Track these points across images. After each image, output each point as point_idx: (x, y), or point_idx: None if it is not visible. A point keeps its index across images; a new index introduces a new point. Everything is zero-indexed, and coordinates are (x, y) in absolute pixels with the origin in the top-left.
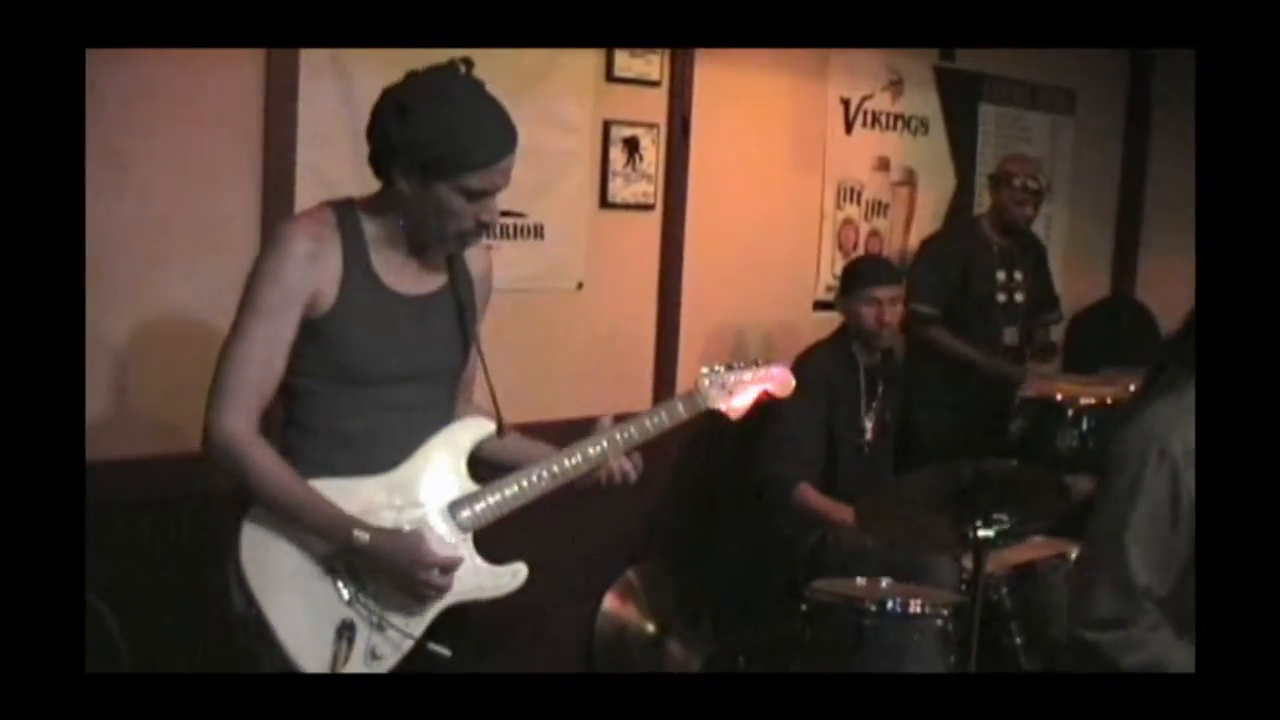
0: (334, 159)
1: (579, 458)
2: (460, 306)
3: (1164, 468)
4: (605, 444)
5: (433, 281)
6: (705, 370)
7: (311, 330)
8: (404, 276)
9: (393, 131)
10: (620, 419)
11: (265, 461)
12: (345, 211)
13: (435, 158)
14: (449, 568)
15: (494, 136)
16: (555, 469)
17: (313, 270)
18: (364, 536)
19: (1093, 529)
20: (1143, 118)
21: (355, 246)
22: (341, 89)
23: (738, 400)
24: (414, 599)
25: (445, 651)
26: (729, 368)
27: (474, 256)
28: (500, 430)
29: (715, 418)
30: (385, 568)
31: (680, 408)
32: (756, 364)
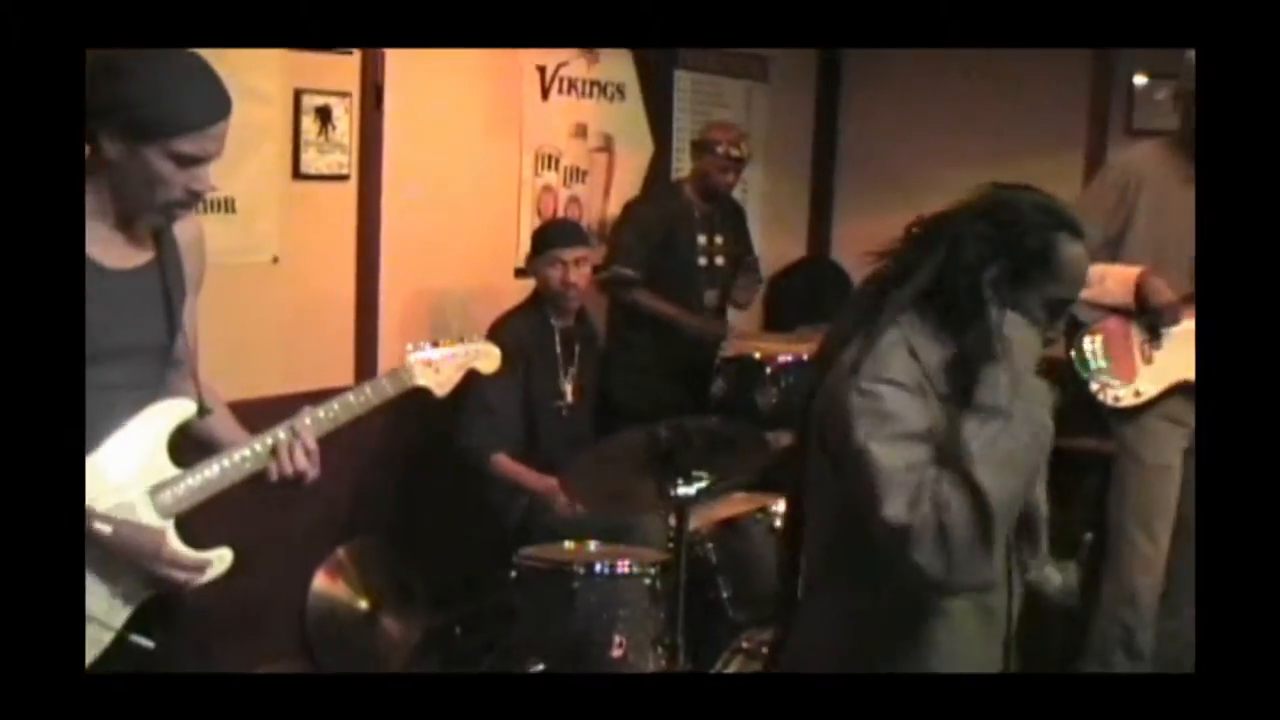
0: None
1: (282, 435)
2: (167, 282)
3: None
4: (308, 421)
5: (140, 255)
6: (411, 347)
7: None
8: (109, 249)
9: (100, 91)
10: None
11: None
12: None
13: (146, 118)
14: (199, 565)
15: (208, 99)
16: (258, 447)
17: None
18: (106, 529)
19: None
20: (833, 84)
21: None
22: None
23: (444, 377)
24: (153, 590)
25: (148, 643)
26: (434, 344)
27: (182, 226)
28: (201, 410)
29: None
30: (130, 562)
31: (386, 385)
32: (462, 340)
